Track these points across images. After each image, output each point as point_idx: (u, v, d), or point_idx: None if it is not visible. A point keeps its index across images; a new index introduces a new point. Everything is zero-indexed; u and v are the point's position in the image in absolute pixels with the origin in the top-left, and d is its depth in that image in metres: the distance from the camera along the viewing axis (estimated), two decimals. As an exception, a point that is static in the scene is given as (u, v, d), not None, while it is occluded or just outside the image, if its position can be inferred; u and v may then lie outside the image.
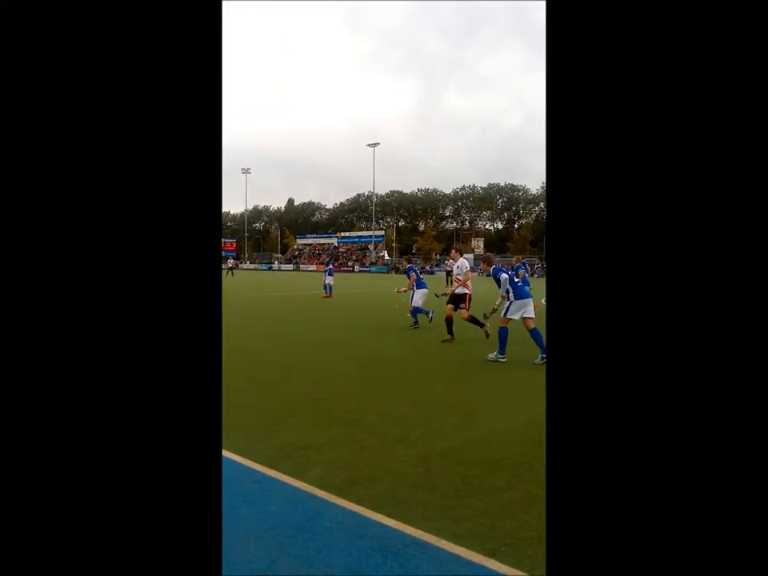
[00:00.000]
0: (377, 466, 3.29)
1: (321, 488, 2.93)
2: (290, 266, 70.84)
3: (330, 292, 18.63)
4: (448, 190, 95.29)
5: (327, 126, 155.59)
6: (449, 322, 8.53)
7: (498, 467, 3.28)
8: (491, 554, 2.27)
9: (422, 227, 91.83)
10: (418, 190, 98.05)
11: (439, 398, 5.04)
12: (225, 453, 3.29)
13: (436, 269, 52.49)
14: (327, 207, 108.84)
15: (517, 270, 13.43)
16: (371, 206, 77.91)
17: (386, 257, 67.14)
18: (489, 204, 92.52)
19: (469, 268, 8.90)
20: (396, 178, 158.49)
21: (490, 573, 2.15)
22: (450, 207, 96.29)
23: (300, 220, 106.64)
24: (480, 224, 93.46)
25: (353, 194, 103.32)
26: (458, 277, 8.81)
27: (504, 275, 6.97)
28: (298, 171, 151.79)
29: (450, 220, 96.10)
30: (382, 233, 75.00)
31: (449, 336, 8.52)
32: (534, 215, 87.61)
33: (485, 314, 7.89)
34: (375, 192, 75.70)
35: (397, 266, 53.88)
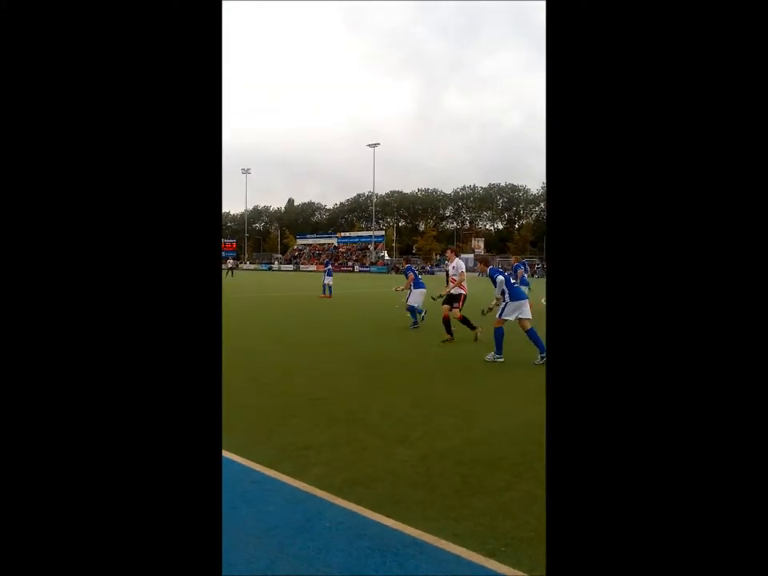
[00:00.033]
0: (377, 465, 3.29)
1: (320, 488, 2.93)
2: (290, 267, 70.89)
3: (330, 293, 18.62)
4: (448, 190, 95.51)
5: (327, 125, 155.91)
6: (446, 322, 8.54)
7: (497, 467, 3.28)
8: (491, 554, 2.27)
9: (422, 227, 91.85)
10: (418, 189, 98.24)
11: (439, 397, 5.05)
12: (225, 453, 3.29)
13: (436, 269, 52.51)
14: (327, 207, 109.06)
15: (515, 270, 13.45)
16: (371, 206, 77.94)
17: (386, 257, 67.16)
18: (489, 204, 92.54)
19: (464, 269, 8.94)
20: (396, 178, 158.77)
21: (489, 573, 2.15)
22: (451, 207, 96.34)
23: (300, 220, 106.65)
24: (480, 224, 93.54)
25: (353, 194, 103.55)
26: (454, 277, 8.84)
27: (500, 277, 7.01)
28: (297, 171, 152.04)
29: (450, 220, 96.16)
30: (382, 233, 75.05)
31: (448, 336, 8.53)
32: (534, 215, 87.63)
33: (483, 310, 7.88)
34: (375, 192, 75.79)
35: (397, 266, 53.91)
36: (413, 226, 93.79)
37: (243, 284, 28.52)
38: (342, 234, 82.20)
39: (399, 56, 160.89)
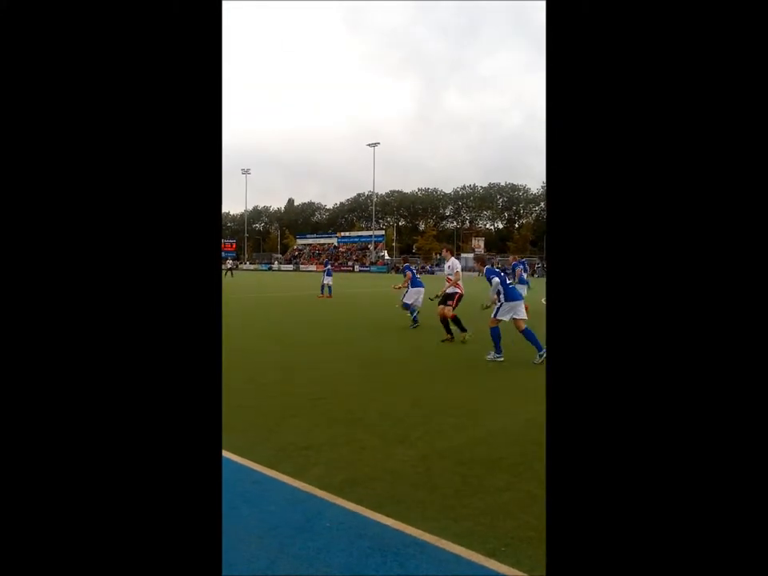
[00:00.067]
0: (377, 465, 3.29)
1: (320, 488, 2.93)
2: (290, 267, 70.89)
3: (330, 293, 18.61)
4: (448, 190, 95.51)
5: (327, 125, 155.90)
6: (444, 321, 8.55)
7: (497, 467, 3.28)
8: (491, 554, 2.27)
9: (422, 227, 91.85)
10: (419, 189, 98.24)
11: (439, 397, 5.05)
12: (225, 453, 3.29)
13: (436, 268, 52.48)
14: (327, 207, 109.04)
15: (514, 269, 13.44)
16: (371, 205, 77.94)
17: (386, 256, 67.17)
18: (489, 204, 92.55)
19: (459, 268, 8.94)
20: (396, 178, 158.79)
21: (489, 573, 2.15)
22: (451, 207, 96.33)
23: (300, 220, 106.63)
24: (480, 224, 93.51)
25: (353, 194, 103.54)
26: (449, 276, 8.84)
27: (495, 278, 6.99)
28: (297, 171, 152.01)
29: (450, 220, 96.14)
30: (382, 232, 75.05)
31: (448, 336, 8.53)
32: (534, 215, 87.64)
33: (483, 304, 7.85)
34: (375, 192, 75.79)
35: (397, 265, 53.88)
36: (413, 226, 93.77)
37: (243, 284, 28.51)
38: (342, 233, 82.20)
39: (399, 56, 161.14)
